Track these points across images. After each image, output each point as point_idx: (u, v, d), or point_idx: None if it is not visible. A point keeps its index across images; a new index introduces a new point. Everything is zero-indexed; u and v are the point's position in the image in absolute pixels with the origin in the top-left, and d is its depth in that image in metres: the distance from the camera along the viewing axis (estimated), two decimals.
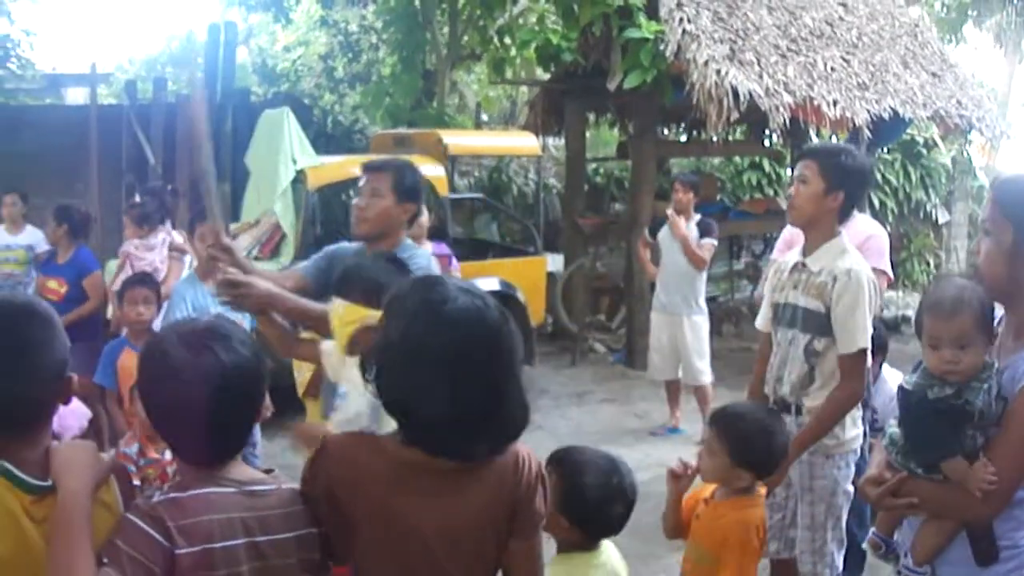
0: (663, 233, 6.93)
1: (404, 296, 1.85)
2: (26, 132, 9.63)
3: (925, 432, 2.23)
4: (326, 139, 10.60)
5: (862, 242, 4.10)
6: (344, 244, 3.53)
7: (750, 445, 2.87)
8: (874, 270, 3.63)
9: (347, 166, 7.42)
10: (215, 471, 1.76)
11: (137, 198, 6.94)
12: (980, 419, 2.16)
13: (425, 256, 3.31)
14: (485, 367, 1.78)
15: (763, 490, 3.00)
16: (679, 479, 2.94)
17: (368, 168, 3.37)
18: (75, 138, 9.54)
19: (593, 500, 2.44)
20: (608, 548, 2.53)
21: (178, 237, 6.40)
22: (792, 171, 4.87)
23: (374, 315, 2.07)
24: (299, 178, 7.25)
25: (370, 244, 3.27)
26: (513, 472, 1.87)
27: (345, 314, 2.65)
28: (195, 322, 1.87)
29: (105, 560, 1.58)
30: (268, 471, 1.89)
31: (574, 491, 2.42)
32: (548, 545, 2.17)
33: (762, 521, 2.95)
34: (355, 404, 2.54)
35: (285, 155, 7.30)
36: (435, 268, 3.29)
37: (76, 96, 19.07)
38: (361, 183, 3.31)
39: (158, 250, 6.19)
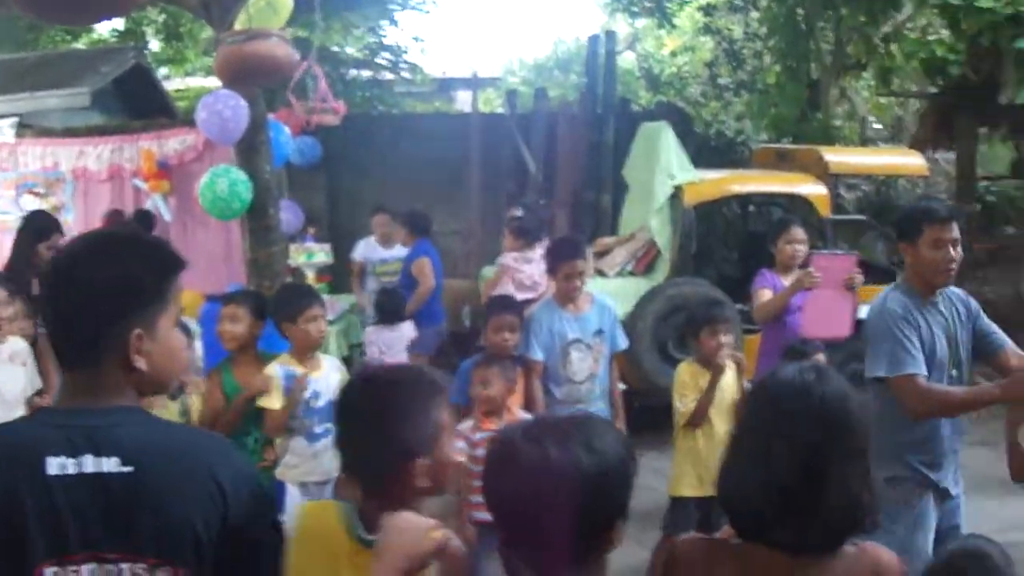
0: None
1: None
2: (411, 140, 10.36)
3: None
4: (708, 151, 10.52)
5: None
6: None
7: None
8: None
9: (725, 183, 7.39)
10: None
11: (519, 212, 7.15)
12: None
13: None
14: (800, 447, 1.74)
15: None
16: None
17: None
18: (459, 146, 10.08)
19: None
20: None
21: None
22: None
23: None
24: (676, 194, 7.20)
25: None
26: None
27: None
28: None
29: None
30: None
31: None
32: None
33: None
34: None
35: (663, 170, 7.26)
36: None
37: (466, 99, 20.51)
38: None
39: (536, 263, 6.31)
